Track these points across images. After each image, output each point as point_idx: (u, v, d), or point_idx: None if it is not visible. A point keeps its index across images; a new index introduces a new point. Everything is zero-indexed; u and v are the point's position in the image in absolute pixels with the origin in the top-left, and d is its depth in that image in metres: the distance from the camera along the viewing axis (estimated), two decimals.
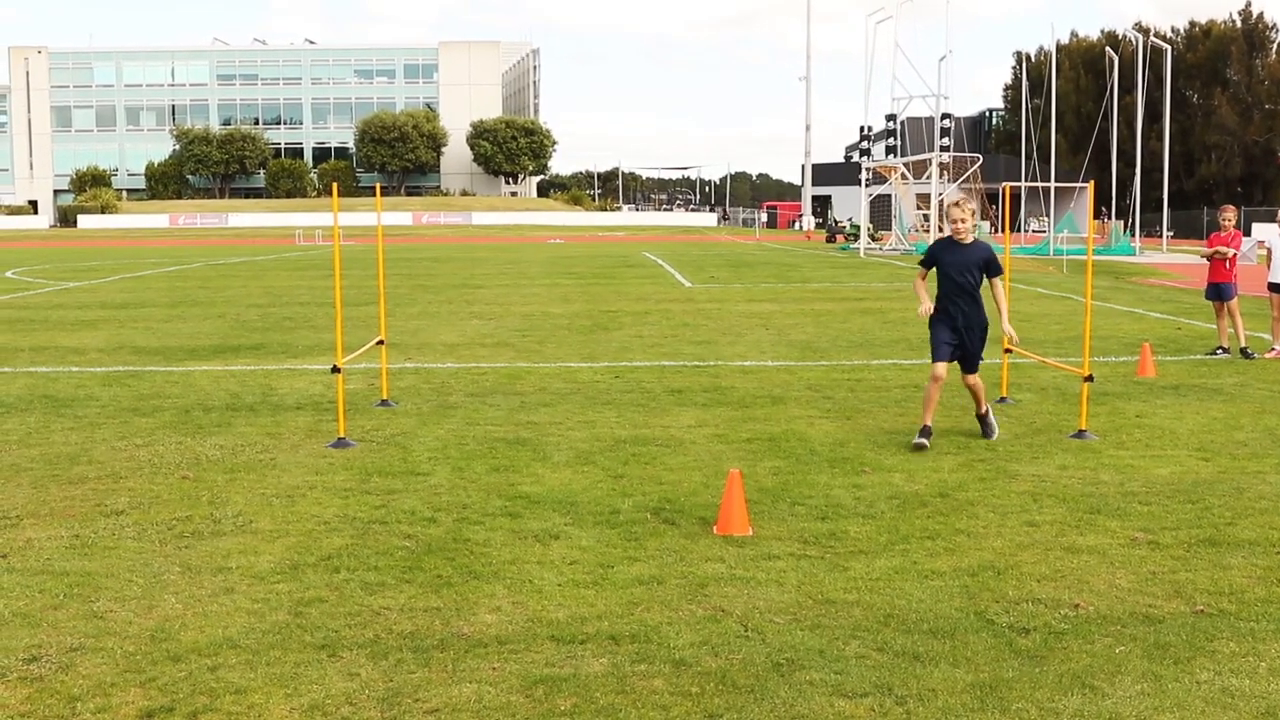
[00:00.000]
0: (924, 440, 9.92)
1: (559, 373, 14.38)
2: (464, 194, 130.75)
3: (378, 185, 13.14)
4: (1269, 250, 16.22)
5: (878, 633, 5.69)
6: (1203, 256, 16.63)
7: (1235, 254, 16.31)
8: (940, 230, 48.49)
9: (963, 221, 10.04)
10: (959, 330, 10.14)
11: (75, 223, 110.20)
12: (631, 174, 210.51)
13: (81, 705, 4.89)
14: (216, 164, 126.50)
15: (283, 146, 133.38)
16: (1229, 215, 16.34)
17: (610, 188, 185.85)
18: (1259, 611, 5.99)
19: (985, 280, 10.19)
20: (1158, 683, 5.11)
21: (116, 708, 4.87)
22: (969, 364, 10.28)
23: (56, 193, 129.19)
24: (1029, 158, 60.02)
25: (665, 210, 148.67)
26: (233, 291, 28.97)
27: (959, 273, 10.06)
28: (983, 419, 10.46)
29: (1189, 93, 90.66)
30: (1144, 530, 7.45)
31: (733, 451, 9.82)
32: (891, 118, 54.83)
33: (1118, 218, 57.82)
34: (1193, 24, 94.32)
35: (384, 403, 12.11)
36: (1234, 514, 7.84)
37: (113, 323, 20.92)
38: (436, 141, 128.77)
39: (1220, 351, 15.88)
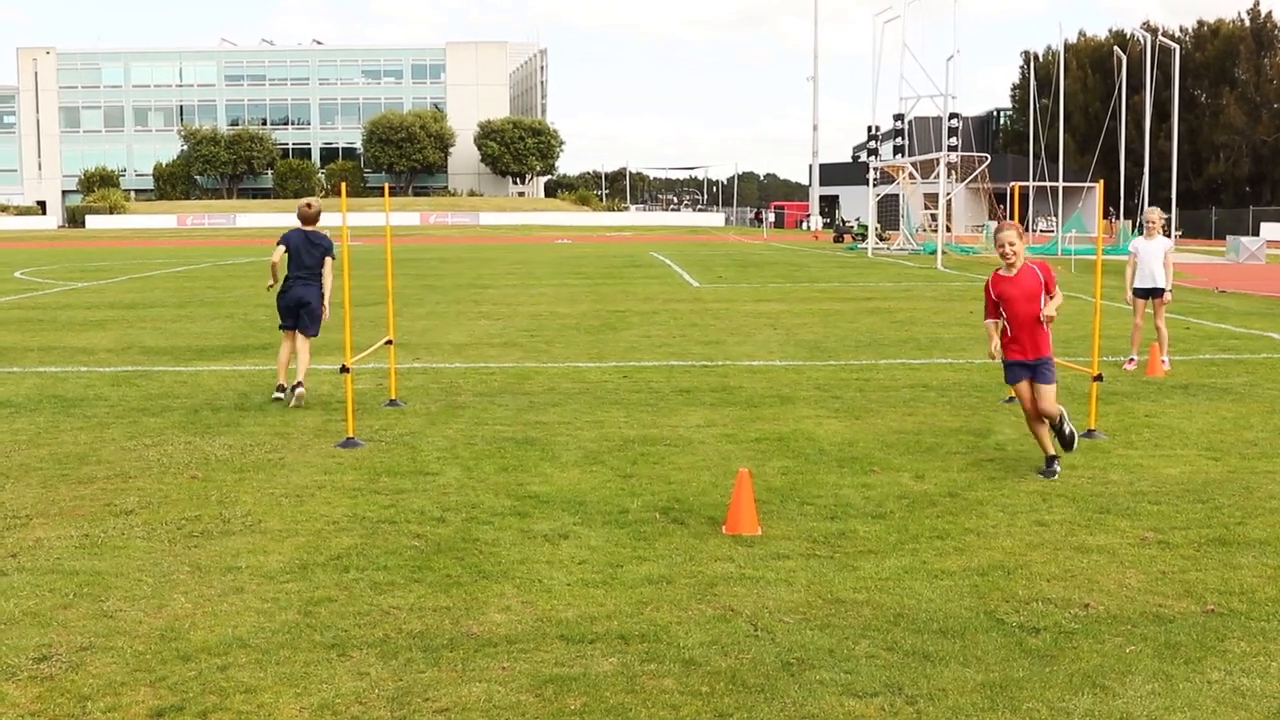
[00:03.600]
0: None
1: (567, 373, 14.39)
2: (471, 194, 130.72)
3: (386, 186, 13.13)
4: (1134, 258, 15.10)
5: (887, 632, 5.68)
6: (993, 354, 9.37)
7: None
8: (949, 231, 48.46)
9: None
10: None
11: (83, 223, 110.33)
12: (639, 174, 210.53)
13: (92, 704, 4.89)
14: (224, 164, 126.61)
15: (290, 147, 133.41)
16: (1010, 235, 9.19)
17: (618, 188, 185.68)
18: (1270, 611, 5.98)
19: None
20: (1169, 682, 5.10)
21: (126, 707, 4.88)
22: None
23: (65, 193, 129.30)
24: (1037, 157, 59.96)
25: (673, 210, 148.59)
26: (241, 291, 29.01)
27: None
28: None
29: (1197, 92, 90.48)
30: (1154, 530, 7.43)
31: (741, 451, 9.82)
32: (899, 117, 54.71)
33: (1126, 217, 57.73)
34: (1201, 23, 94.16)
35: (392, 402, 12.12)
36: (1244, 513, 7.83)
37: (121, 323, 20.96)
38: (444, 142, 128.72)
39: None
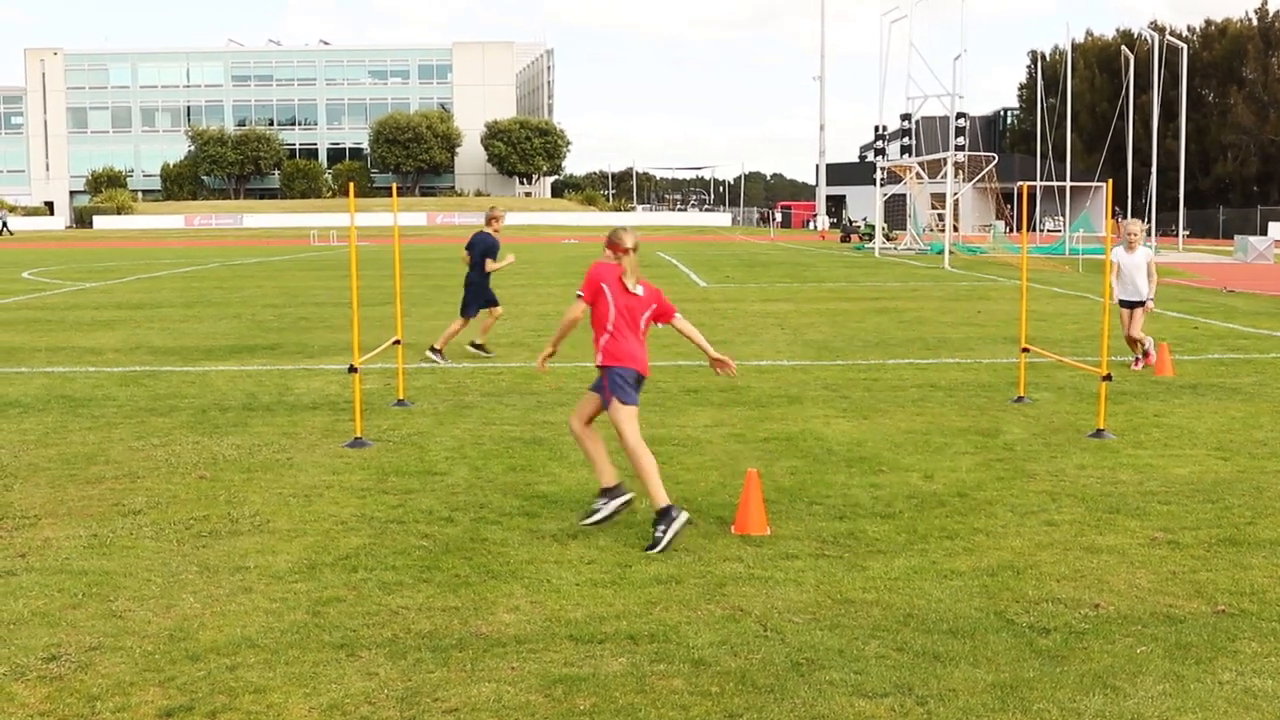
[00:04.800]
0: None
1: (575, 372, 14.37)
2: (478, 194, 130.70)
3: (394, 186, 13.16)
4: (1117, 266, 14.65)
5: (897, 632, 5.67)
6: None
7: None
8: (956, 230, 48.39)
9: None
10: None
11: (91, 223, 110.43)
12: (646, 174, 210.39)
13: (100, 704, 4.89)
14: (231, 165, 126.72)
15: (297, 147, 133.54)
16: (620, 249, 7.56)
17: (624, 188, 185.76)
18: None
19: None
20: (1179, 683, 5.08)
21: (135, 707, 4.88)
22: None
23: (72, 194, 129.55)
24: (1044, 157, 59.85)
25: (679, 210, 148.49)
26: (248, 292, 29.03)
27: None
28: None
29: (1205, 91, 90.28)
30: (1164, 530, 7.41)
31: (749, 451, 9.80)
32: (906, 117, 54.63)
33: (1133, 217, 57.59)
34: (1208, 22, 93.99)
35: (400, 402, 12.12)
36: (1254, 513, 7.81)
37: (129, 323, 20.98)
38: (451, 142, 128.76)
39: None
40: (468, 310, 15.92)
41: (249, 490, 8.54)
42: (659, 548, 6.99)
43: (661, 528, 7.06)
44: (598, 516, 7.43)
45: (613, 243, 7.59)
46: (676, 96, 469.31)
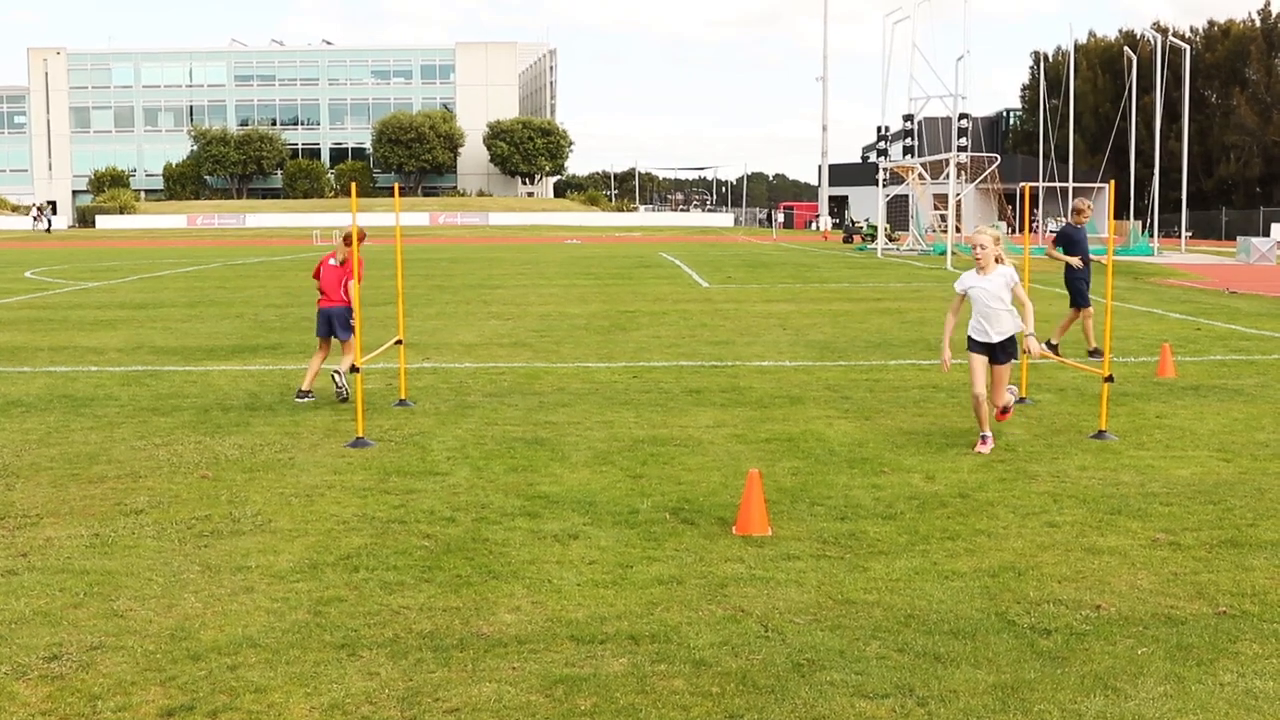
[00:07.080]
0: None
1: (577, 373, 14.38)
2: (481, 194, 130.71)
3: (396, 186, 13.19)
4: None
5: (898, 633, 5.67)
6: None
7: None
8: (959, 231, 48.36)
9: None
10: None
11: (94, 223, 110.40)
12: (648, 174, 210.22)
13: (102, 704, 4.90)
14: (234, 164, 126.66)
15: (300, 147, 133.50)
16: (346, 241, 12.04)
17: (627, 188, 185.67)
18: None
19: None
20: (1180, 684, 5.08)
21: (137, 706, 4.88)
22: None
23: (75, 193, 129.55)
24: (1046, 158, 59.87)
25: (683, 210, 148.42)
26: (251, 291, 29.05)
27: None
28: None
29: (1207, 92, 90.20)
30: (1165, 531, 7.41)
31: (751, 451, 9.81)
32: (909, 118, 54.57)
33: (1136, 218, 57.57)
34: (1211, 24, 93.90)
35: (402, 402, 12.12)
36: (1256, 515, 7.80)
37: (131, 323, 20.99)
38: (453, 142, 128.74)
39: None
40: (1078, 300, 16.23)
41: (251, 490, 8.54)
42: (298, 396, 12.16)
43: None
44: (302, 400, 12.17)
45: (344, 239, 11.92)
46: (679, 96, 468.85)
